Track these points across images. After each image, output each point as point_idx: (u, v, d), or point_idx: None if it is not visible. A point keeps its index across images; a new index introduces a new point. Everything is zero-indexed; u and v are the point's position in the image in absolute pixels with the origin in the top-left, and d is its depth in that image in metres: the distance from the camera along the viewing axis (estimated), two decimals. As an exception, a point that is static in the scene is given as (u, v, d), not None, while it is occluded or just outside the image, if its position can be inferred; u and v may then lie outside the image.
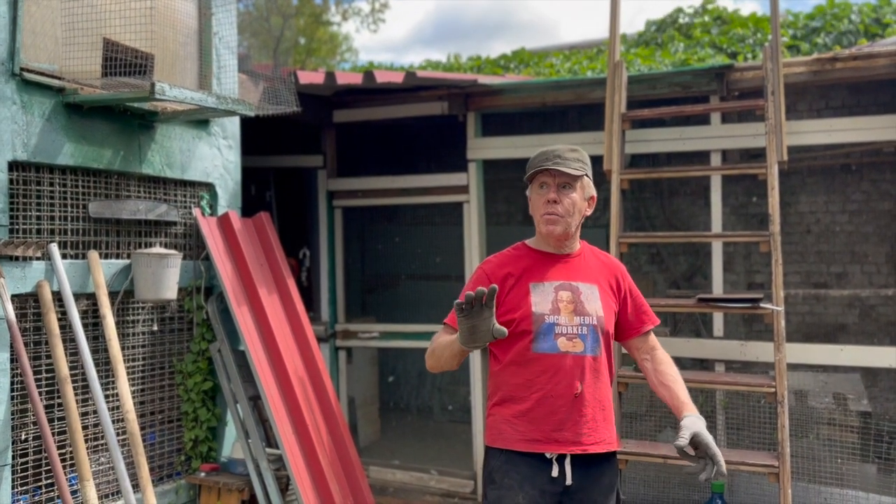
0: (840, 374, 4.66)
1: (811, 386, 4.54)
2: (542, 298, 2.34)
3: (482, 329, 2.07)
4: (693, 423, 2.22)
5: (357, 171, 5.86)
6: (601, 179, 5.59)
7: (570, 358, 2.30)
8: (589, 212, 2.43)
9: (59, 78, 3.45)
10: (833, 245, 5.29)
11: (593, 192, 2.43)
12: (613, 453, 2.41)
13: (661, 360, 2.48)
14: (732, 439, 4.38)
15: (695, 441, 2.19)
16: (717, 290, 4.53)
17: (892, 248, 5.14)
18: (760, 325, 5.22)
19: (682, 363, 4.81)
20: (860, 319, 5.20)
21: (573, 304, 2.34)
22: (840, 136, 4.37)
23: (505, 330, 2.08)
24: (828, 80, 4.33)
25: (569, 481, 2.30)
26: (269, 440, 4.24)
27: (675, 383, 2.40)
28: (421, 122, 5.42)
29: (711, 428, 4.51)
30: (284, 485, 4.06)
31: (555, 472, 2.29)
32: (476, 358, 5.00)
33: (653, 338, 2.52)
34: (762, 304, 3.72)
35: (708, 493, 4.02)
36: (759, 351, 4.22)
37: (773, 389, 3.62)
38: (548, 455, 2.30)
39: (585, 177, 2.37)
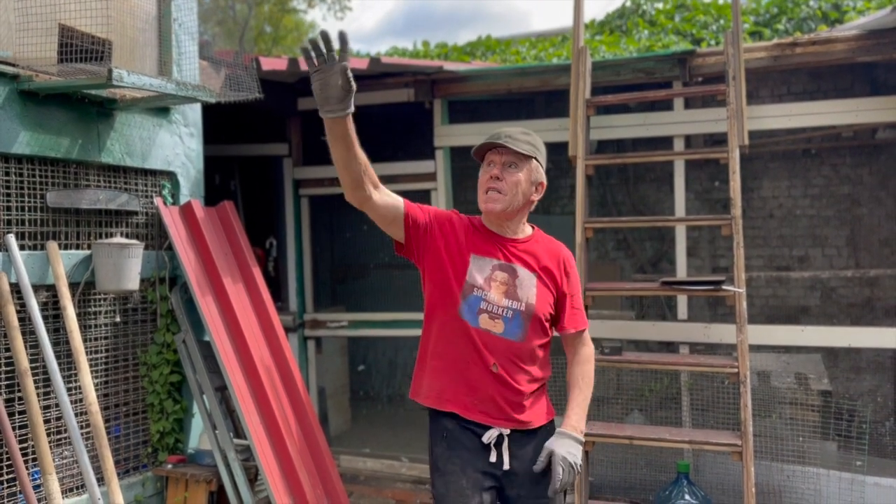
0: (802, 355, 4.75)
1: (774, 366, 4.63)
2: (479, 271, 2.30)
3: (331, 83, 1.97)
4: (553, 442, 2.26)
5: (324, 159, 5.75)
6: (567, 166, 5.65)
7: (487, 336, 2.27)
8: (536, 197, 2.35)
9: (14, 65, 3.36)
10: (795, 229, 5.39)
11: (543, 178, 2.36)
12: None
13: (580, 359, 2.43)
14: (697, 420, 4.45)
15: (551, 460, 2.25)
16: (682, 273, 4.58)
17: (852, 232, 5.25)
18: (724, 307, 5.30)
19: (648, 346, 4.88)
20: (821, 301, 5.31)
21: (506, 286, 2.29)
22: (800, 121, 4.44)
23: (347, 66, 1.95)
24: (788, 65, 4.38)
25: (506, 466, 2.30)
26: (237, 431, 4.21)
27: (575, 388, 2.38)
28: (387, 110, 5.39)
29: (677, 409, 4.58)
30: (253, 475, 4.04)
31: (493, 458, 2.29)
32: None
33: (584, 335, 2.46)
34: (724, 287, 3.77)
35: (674, 474, 4.08)
36: (723, 333, 4.29)
37: (735, 370, 3.68)
38: (485, 440, 2.29)
39: (535, 160, 2.32)
